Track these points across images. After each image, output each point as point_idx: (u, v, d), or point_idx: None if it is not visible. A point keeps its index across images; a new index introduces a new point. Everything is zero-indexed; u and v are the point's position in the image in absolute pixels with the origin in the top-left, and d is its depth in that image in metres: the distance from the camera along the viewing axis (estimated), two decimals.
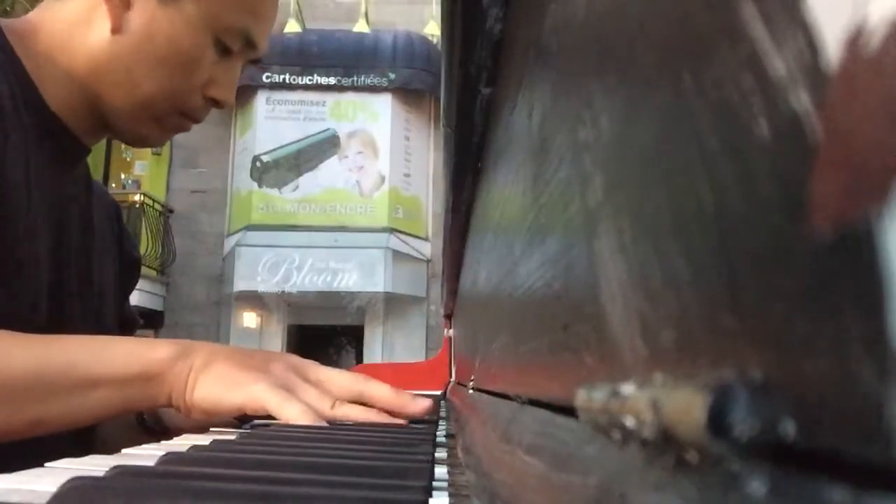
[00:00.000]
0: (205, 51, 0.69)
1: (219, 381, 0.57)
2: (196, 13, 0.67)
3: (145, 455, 0.39)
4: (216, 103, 0.72)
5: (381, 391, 0.63)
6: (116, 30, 0.67)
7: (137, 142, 0.74)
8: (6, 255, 0.61)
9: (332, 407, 0.59)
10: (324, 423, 0.57)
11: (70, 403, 0.54)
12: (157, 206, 7.52)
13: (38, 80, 0.66)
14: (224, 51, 0.70)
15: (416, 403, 0.64)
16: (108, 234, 0.82)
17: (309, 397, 0.58)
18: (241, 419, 0.63)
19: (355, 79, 7.56)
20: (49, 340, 0.56)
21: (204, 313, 7.75)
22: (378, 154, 7.68)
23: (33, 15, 0.70)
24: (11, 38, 0.66)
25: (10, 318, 0.57)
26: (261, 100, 7.66)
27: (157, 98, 0.69)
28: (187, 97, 0.70)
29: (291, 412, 0.56)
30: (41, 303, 0.66)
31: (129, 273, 0.88)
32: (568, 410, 0.24)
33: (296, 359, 0.64)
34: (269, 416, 0.58)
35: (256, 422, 0.60)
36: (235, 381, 0.57)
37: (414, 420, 0.65)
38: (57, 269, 0.69)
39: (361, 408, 0.61)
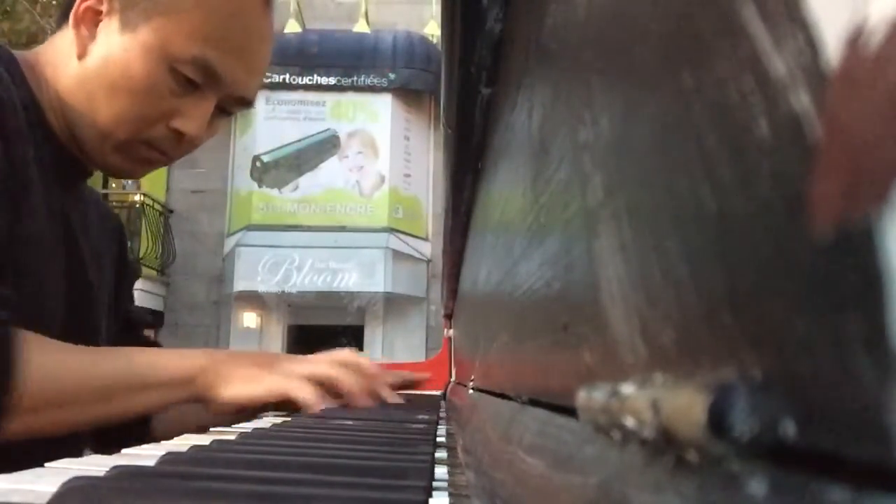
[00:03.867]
0: (159, 79, 0.70)
1: (241, 381, 0.70)
2: (150, 39, 0.69)
3: (145, 455, 0.39)
4: (181, 135, 0.73)
5: (369, 367, 0.78)
6: (81, 55, 0.70)
7: (112, 172, 0.77)
8: (31, 282, 0.67)
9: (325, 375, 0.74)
10: (329, 405, 0.70)
11: (129, 402, 0.66)
12: (156, 206, 7.52)
13: (43, 105, 0.71)
14: (187, 83, 0.71)
15: (391, 396, 0.79)
16: (105, 246, 0.86)
17: (308, 369, 0.73)
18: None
19: (355, 79, 7.56)
20: (113, 353, 0.69)
21: (204, 313, 7.75)
22: (378, 154, 7.67)
23: (41, 47, 0.75)
24: (24, 67, 0.70)
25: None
26: (261, 100, 7.64)
27: (115, 126, 0.71)
28: (147, 127, 0.71)
29: (297, 387, 0.70)
30: (56, 324, 0.70)
31: (129, 279, 0.95)
32: (568, 410, 0.24)
33: (292, 355, 0.78)
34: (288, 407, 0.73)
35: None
36: (254, 378, 0.70)
37: (414, 420, 0.67)
38: (67, 287, 0.73)
39: (355, 382, 0.75)
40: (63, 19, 0.74)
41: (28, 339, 0.57)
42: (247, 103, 0.77)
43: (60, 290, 0.72)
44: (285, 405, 0.74)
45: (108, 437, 0.83)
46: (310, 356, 0.78)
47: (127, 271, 0.93)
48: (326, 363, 0.75)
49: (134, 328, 0.94)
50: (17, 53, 0.72)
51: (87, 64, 0.70)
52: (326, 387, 0.72)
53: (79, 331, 0.72)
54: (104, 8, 0.70)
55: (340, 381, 0.74)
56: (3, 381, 0.55)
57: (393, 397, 0.80)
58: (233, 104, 0.76)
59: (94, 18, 0.71)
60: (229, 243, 7.71)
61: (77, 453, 0.78)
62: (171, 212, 7.76)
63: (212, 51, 0.70)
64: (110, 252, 0.88)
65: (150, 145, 0.73)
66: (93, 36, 0.70)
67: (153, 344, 0.98)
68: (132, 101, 0.70)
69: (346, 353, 0.78)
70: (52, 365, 0.60)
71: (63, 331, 0.69)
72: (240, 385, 0.69)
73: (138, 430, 0.83)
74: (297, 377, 0.71)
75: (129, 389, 0.65)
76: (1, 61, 0.66)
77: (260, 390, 0.70)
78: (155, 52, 0.69)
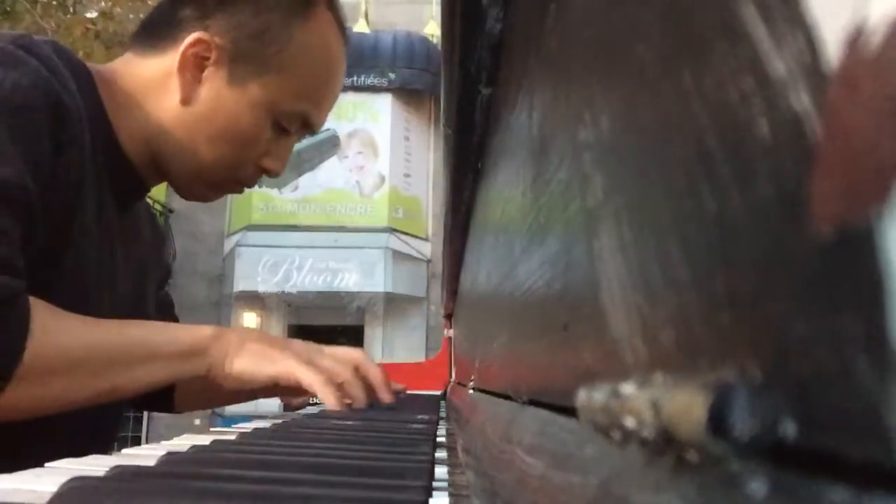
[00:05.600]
0: (262, 130, 0.75)
1: (253, 357, 0.69)
2: (259, 96, 0.74)
3: (145, 455, 0.39)
4: (267, 172, 0.79)
5: (376, 372, 0.78)
6: (185, 101, 0.73)
7: (191, 198, 0.81)
8: (80, 300, 0.68)
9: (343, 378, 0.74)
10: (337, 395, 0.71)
11: (136, 374, 0.65)
12: (157, 205, 7.51)
13: (115, 123, 0.72)
14: (281, 129, 0.77)
15: (390, 394, 0.79)
16: (153, 256, 0.89)
17: (326, 364, 0.73)
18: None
19: (355, 79, 7.55)
20: (121, 323, 0.68)
21: (204, 313, 7.74)
22: (378, 154, 7.67)
23: (118, 64, 0.77)
24: (98, 81, 0.72)
25: None
26: None
27: (214, 168, 0.76)
28: (242, 168, 0.77)
29: (316, 381, 0.69)
30: None
31: (164, 280, 0.98)
32: (568, 410, 0.24)
33: (305, 342, 0.78)
34: (299, 392, 0.74)
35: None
36: (267, 356, 0.70)
37: (414, 420, 0.67)
38: (110, 298, 0.75)
39: (361, 389, 0.75)
40: (146, 41, 0.75)
41: (36, 306, 0.58)
42: (313, 132, 0.83)
43: (105, 307, 0.73)
44: (289, 391, 0.74)
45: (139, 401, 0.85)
46: (324, 347, 0.77)
47: (164, 277, 0.96)
48: (341, 364, 0.74)
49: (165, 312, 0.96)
50: (91, 65, 0.73)
51: (192, 110, 0.73)
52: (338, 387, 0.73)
53: None
54: (212, 55, 0.73)
55: (348, 386, 0.73)
56: (13, 348, 0.55)
57: (390, 399, 0.80)
58: (303, 134, 0.82)
59: (200, 64, 0.73)
60: (229, 243, 7.71)
61: (112, 440, 0.79)
62: (172, 211, 7.76)
63: (311, 105, 0.77)
64: (156, 264, 0.90)
65: (237, 180, 0.79)
66: (197, 80, 0.73)
67: None
68: (234, 149, 0.75)
69: (359, 356, 0.78)
70: (59, 333, 0.60)
71: None
72: (250, 360, 0.69)
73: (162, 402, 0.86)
74: (313, 368, 0.70)
75: (136, 360, 0.64)
76: (71, 68, 0.67)
77: (271, 369, 0.69)
78: (263, 108, 0.74)
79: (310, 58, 0.76)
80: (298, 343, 0.75)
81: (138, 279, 0.83)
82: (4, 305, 0.55)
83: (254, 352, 0.69)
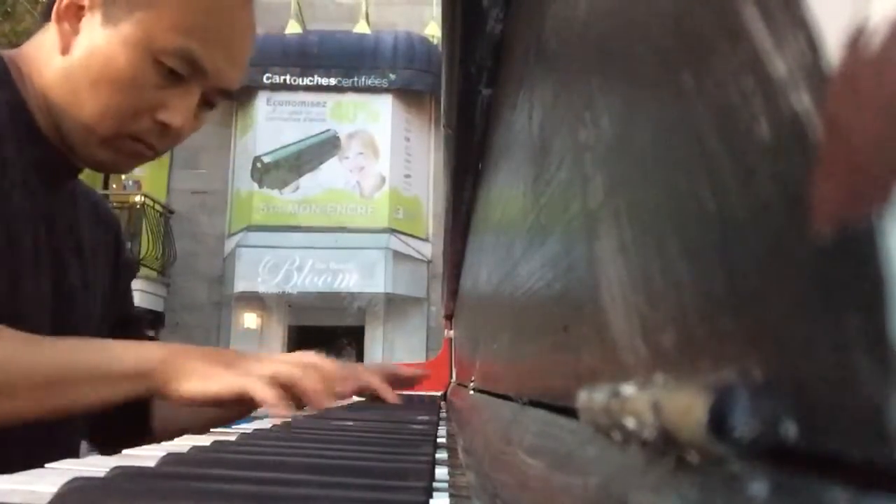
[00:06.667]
0: (144, 72, 0.70)
1: (198, 376, 0.69)
2: (132, 32, 0.69)
3: (145, 455, 0.39)
4: (167, 127, 0.73)
5: (330, 368, 0.75)
6: (64, 50, 0.71)
7: (100, 167, 0.77)
8: (13, 288, 0.67)
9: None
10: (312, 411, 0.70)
11: (81, 393, 0.64)
12: (157, 206, 7.52)
13: (29, 104, 0.71)
14: (172, 75, 0.71)
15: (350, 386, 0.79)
16: (100, 246, 0.86)
17: (266, 369, 0.70)
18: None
19: (356, 79, 7.57)
20: (63, 342, 0.66)
21: (204, 314, 7.75)
22: (378, 155, 7.68)
23: (23, 46, 0.75)
24: (9, 66, 0.70)
25: None
26: (261, 101, 7.66)
27: (101, 119, 0.71)
28: (132, 120, 0.72)
29: (257, 387, 0.68)
30: (42, 327, 0.70)
31: (126, 277, 0.94)
32: (569, 411, 0.24)
33: (253, 353, 0.75)
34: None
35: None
36: (210, 374, 0.69)
37: (414, 421, 0.67)
38: (55, 289, 0.74)
39: (314, 382, 0.71)
40: (45, 17, 0.74)
41: None
42: (229, 95, 0.77)
43: (45, 292, 0.71)
44: (242, 403, 0.72)
45: (106, 435, 0.84)
46: (272, 355, 0.76)
47: (123, 271, 0.93)
48: (286, 364, 0.72)
49: (133, 326, 0.94)
50: (2, 52, 0.72)
51: (70, 59, 0.71)
52: (287, 388, 0.70)
53: (63, 333, 0.71)
54: (86, 3, 0.70)
55: (300, 382, 0.71)
56: None
57: (389, 394, 0.80)
58: (216, 96, 0.76)
59: (76, 14, 0.71)
60: (230, 244, 7.71)
61: (74, 452, 0.79)
62: (172, 212, 7.76)
63: (195, 42, 0.71)
64: (106, 252, 0.88)
65: (136, 139, 0.73)
66: (76, 31, 0.71)
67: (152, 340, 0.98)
68: (116, 94, 0.70)
69: (308, 355, 0.75)
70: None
71: (51, 334, 0.70)
72: (197, 381, 0.68)
73: (137, 428, 0.84)
74: (257, 376, 0.69)
75: (78, 381, 0.64)
76: None
77: (217, 387, 0.68)
78: (138, 44, 0.69)
79: None
80: (246, 356, 0.73)
81: (80, 264, 0.81)
82: None
83: (197, 372, 0.69)
